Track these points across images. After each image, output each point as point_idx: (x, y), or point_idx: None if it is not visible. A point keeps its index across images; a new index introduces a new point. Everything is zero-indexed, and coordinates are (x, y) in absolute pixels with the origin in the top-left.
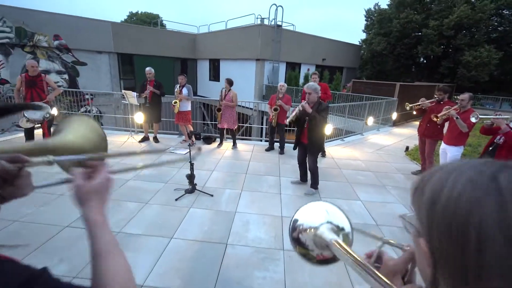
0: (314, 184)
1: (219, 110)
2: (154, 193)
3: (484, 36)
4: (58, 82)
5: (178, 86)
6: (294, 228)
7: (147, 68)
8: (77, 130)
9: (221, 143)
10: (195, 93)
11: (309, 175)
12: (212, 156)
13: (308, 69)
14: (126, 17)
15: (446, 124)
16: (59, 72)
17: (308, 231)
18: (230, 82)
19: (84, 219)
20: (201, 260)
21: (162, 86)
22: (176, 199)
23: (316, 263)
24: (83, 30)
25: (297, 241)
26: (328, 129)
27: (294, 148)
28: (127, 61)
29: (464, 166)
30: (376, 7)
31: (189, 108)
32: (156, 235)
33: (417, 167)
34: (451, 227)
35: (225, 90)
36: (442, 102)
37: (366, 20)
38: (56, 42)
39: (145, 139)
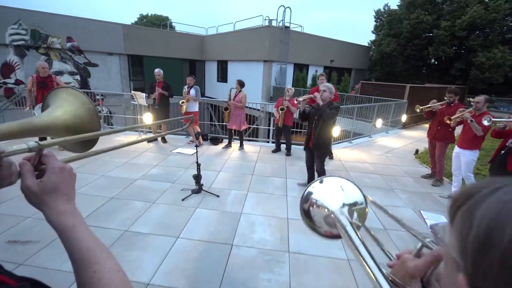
0: None
1: (226, 109)
2: (161, 192)
3: (498, 37)
4: (70, 82)
5: (186, 87)
6: (307, 200)
7: (156, 70)
8: (65, 104)
9: (229, 144)
10: (203, 94)
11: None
12: (219, 157)
13: (316, 71)
14: (136, 19)
15: (457, 127)
16: (71, 73)
17: (321, 209)
18: (241, 84)
19: (50, 225)
20: (207, 260)
21: (170, 87)
22: (182, 199)
23: (323, 237)
24: (95, 32)
25: (307, 214)
26: (336, 131)
27: (305, 149)
28: (137, 62)
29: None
30: (386, 8)
31: (196, 109)
32: (163, 235)
33: (427, 170)
34: (497, 245)
35: (236, 91)
36: (452, 105)
37: (375, 21)
38: (69, 44)
39: (153, 138)
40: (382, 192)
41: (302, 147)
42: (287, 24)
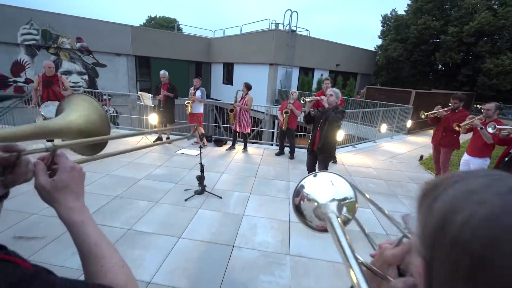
0: None
1: (232, 111)
2: (164, 192)
3: (506, 44)
4: (78, 82)
5: (192, 89)
6: (298, 194)
7: (161, 72)
8: (79, 109)
9: (233, 146)
10: (208, 96)
11: None
12: (223, 159)
13: (322, 75)
14: (144, 21)
15: (462, 134)
16: (79, 73)
17: (311, 202)
18: (248, 87)
19: (61, 220)
20: (208, 260)
21: (175, 88)
22: (185, 200)
23: (315, 231)
24: (104, 33)
25: (298, 208)
26: (340, 135)
27: (309, 152)
28: (144, 63)
29: (493, 183)
30: (393, 13)
31: (201, 111)
32: (165, 234)
33: (431, 176)
34: (461, 264)
35: (242, 94)
36: (457, 111)
37: (382, 26)
38: (78, 44)
39: (158, 139)
40: (385, 197)
41: (306, 150)
42: (294, 28)
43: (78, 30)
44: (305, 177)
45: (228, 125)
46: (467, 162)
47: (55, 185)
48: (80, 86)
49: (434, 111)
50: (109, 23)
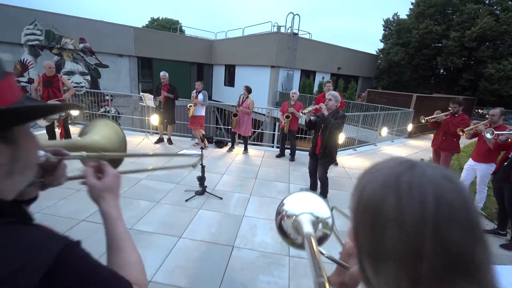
0: (323, 194)
1: (235, 115)
2: (165, 193)
3: (508, 49)
4: (81, 83)
5: (195, 92)
6: (279, 213)
7: (162, 73)
8: (102, 132)
9: (232, 147)
10: (210, 98)
11: (319, 184)
12: (223, 160)
13: (323, 77)
14: (147, 22)
15: (463, 138)
16: (82, 73)
17: (290, 218)
18: (249, 90)
19: (101, 214)
20: (208, 260)
21: (176, 90)
22: (186, 200)
23: (302, 249)
24: (107, 34)
25: (280, 228)
26: (341, 138)
27: (311, 156)
28: (146, 64)
29: (384, 166)
30: (395, 17)
31: (203, 113)
32: (166, 234)
33: None
34: (366, 219)
35: (243, 97)
36: (456, 115)
37: (384, 30)
38: (81, 45)
39: (160, 140)
40: None
41: (306, 152)
42: (296, 31)
43: (81, 31)
44: (285, 198)
45: (229, 127)
46: (472, 167)
47: (103, 186)
48: (82, 87)
49: (434, 116)
50: (112, 24)
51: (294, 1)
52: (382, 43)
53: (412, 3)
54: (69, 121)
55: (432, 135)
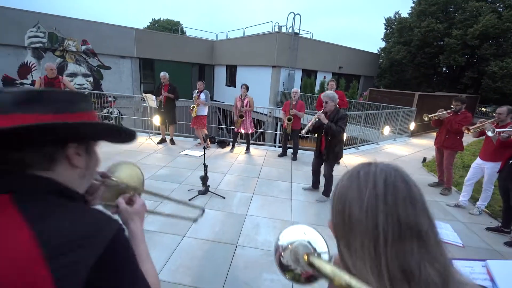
0: (327, 192)
1: (241, 116)
2: (168, 192)
3: (511, 46)
4: (83, 84)
5: (196, 92)
6: (276, 250)
7: (162, 73)
8: (126, 172)
9: (233, 147)
10: (211, 98)
11: (322, 182)
12: (226, 160)
13: (325, 77)
14: (148, 24)
15: (466, 136)
16: (85, 75)
17: (286, 248)
18: (247, 88)
19: (129, 232)
20: (211, 259)
21: (176, 90)
22: (189, 200)
23: (305, 282)
24: (109, 36)
25: (280, 265)
26: (344, 136)
27: (316, 156)
28: (148, 65)
29: (352, 168)
30: (397, 16)
31: (206, 113)
32: (170, 233)
33: (434, 179)
34: (338, 205)
35: (242, 96)
36: (459, 113)
37: (385, 29)
38: (83, 47)
39: (162, 141)
40: None
41: (309, 152)
42: (297, 31)
43: (84, 33)
44: (280, 233)
45: (231, 127)
46: (480, 166)
47: (134, 210)
48: (85, 88)
49: (436, 114)
50: (114, 26)
51: (295, 1)
52: (383, 42)
53: (413, 2)
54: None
55: (434, 134)
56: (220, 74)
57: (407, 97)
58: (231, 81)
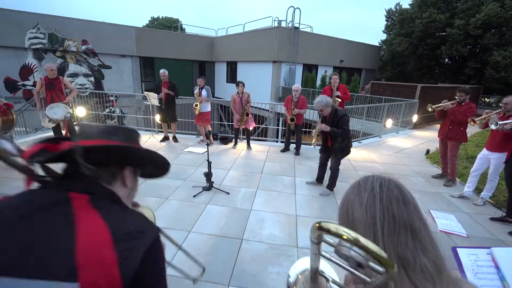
0: (331, 185)
1: (247, 115)
2: (173, 189)
3: None
4: (85, 84)
5: (197, 88)
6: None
7: (161, 71)
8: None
9: (236, 143)
10: (212, 95)
11: (326, 176)
12: (229, 156)
13: (326, 71)
14: (148, 22)
15: (470, 126)
16: (86, 75)
17: (297, 279)
18: (243, 84)
19: None
20: (217, 253)
21: (176, 87)
22: (194, 196)
23: None
24: (109, 35)
25: None
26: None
27: (320, 152)
28: (148, 64)
29: (356, 180)
30: (398, 7)
31: (209, 109)
32: (175, 229)
33: (437, 170)
34: (344, 207)
35: (240, 93)
36: (463, 104)
37: (386, 21)
38: (84, 47)
39: (165, 138)
40: None
41: (311, 147)
42: (297, 25)
43: (83, 33)
44: (289, 270)
45: (233, 123)
46: (486, 157)
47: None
48: (86, 88)
49: (440, 104)
50: (114, 25)
51: None
52: (384, 34)
53: None
54: (74, 122)
55: (438, 125)
56: (221, 71)
57: (410, 89)
58: (232, 77)
